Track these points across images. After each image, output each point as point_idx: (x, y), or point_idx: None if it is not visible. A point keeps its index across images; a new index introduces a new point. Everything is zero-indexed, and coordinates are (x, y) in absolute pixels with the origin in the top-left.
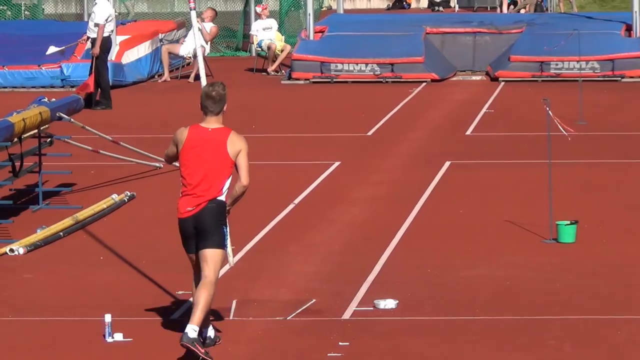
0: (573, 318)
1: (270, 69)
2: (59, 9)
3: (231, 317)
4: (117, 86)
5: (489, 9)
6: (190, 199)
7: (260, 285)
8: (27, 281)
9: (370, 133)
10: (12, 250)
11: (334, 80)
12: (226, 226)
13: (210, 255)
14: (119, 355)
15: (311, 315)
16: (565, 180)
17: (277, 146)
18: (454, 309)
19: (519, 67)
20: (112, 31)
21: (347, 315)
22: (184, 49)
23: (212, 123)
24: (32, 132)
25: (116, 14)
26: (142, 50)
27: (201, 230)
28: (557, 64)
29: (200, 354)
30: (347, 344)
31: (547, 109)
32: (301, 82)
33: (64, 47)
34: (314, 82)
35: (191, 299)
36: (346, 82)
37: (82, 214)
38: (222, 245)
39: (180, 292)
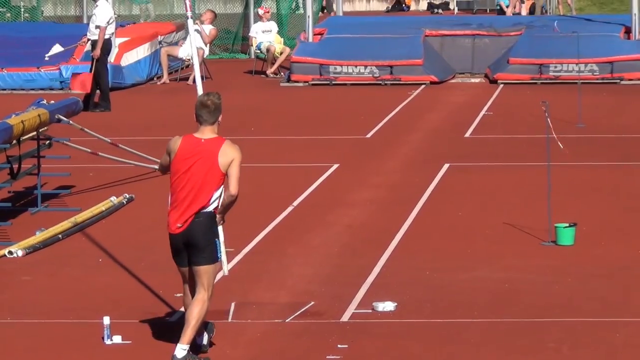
0: (572, 320)
1: (269, 71)
2: (58, 11)
3: (230, 320)
4: (116, 88)
5: (488, 12)
6: (179, 212)
7: (259, 287)
8: (25, 283)
9: (369, 135)
10: (10, 252)
11: (333, 82)
12: (217, 237)
13: (204, 271)
14: (118, 357)
15: (310, 317)
16: (564, 183)
17: (275, 148)
18: (453, 311)
19: (517, 69)
20: (112, 33)
21: (345, 317)
22: (183, 51)
23: (207, 133)
24: (30, 135)
25: (115, 16)
26: (141, 52)
27: (192, 246)
28: (556, 67)
29: None
30: (346, 346)
31: (546, 112)
32: (300, 84)
33: (66, 48)
34: (313, 85)
35: (182, 309)
36: (345, 84)
37: (81, 217)
38: (215, 259)
39: (178, 295)
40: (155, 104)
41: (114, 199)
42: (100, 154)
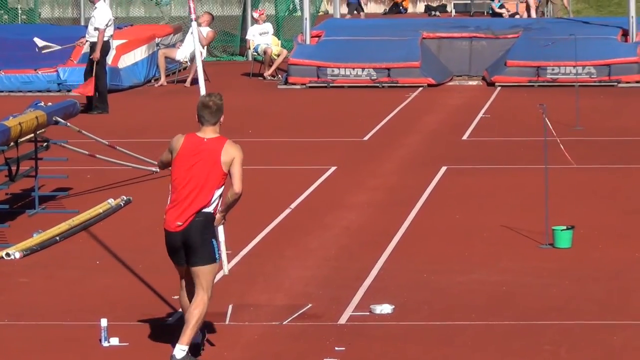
0: (569, 323)
1: (267, 73)
2: (56, 13)
3: (227, 322)
4: (113, 90)
5: (485, 14)
6: (180, 210)
7: (256, 289)
8: (23, 285)
9: (366, 138)
10: (8, 254)
11: (330, 85)
12: (215, 237)
13: (202, 272)
14: (115, 359)
15: (307, 320)
16: (561, 186)
17: (273, 151)
18: (451, 313)
19: (515, 72)
20: (110, 36)
21: (343, 320)
22: (181, 54)
23: (209, 133)
24: (28, 137)
25: (113, 18)
26: (139, 54)
27: (190, 246)
28: (553, 69)
29: None
30: (343, 349)
31: (544, 114)
32: (297, 86)
33: (63, 47)
34: (310, 87)
35: (180, 310)
36: (342, 86)
37: (78, 219)
38: (213, 259)
39: (176, 297)
40: (152, 106)
41: (112, 201)
42: (97, 156)
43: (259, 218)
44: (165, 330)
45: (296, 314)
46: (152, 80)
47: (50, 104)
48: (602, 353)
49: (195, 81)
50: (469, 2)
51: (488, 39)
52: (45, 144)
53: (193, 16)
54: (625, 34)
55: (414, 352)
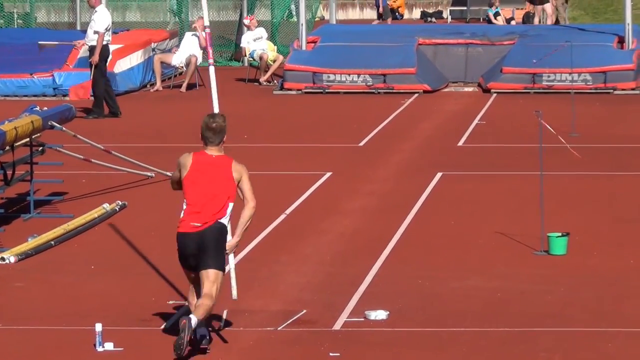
0: (564, 330)
1: (263, 79)
2: (52, 17)
3: (222, 327)
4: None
5: (481, 20)
6: (195, 217)
7: (251, 295)
8: (18, 290)
9: (362, 144)
10: (3, 258)
11: (326, 90)
12: (225, 250)
13: (213, 274)
14: None
15: (302, 325)
16: (556, 192)
17: (268, 156)
18: (445, 320)
19: (511, 78)
20: (109, 40)
21: (338, 326)
22: (177, 59)
23: (214, 152)
24: (23, 141)
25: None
26: (135, 59)
27: (205, 249)
28: (549, 76)
29: (183, 340)
30: (338, 354)
31: (540, 120)
32: (293, 92)
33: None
34: (306, 93)
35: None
36: (338, 92)
37: (73, 223)
38: (222, 267)
39: (171, 302)
40: (148, 111)
41: (107, 206)
42: (93, 160)
43: (254, 223)
44: (160, 335)
45: (291, 320)
46: (148, 85)
47: (45, 108)
48: None
49: (191, 86)
50: (465, 8)
51: (484, 45)
52: (41, 148)
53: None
54: (621, 41)
55: (409, 358)
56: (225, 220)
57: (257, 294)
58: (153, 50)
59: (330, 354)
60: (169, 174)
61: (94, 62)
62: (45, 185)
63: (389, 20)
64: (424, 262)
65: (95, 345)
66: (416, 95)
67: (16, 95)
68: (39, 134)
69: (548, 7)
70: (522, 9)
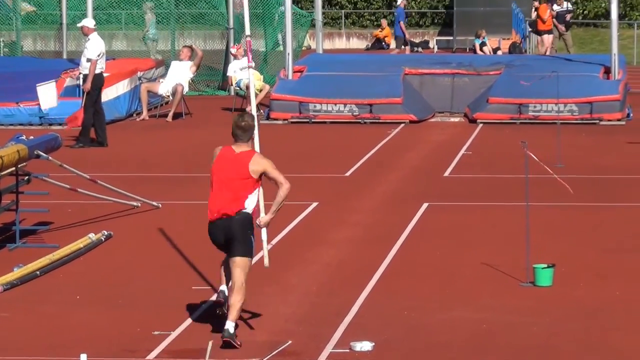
0: None
1: (249, 108)
2: (38, 46)
3: (207, 358)
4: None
5: (467, 50)
6: (216, 206)
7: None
8: (3, 320)
9: (348, 174)
10: None
11: (312, 120)
12: (253, 236)
13: (239, 262)
14: None
15: (287, 356)
16: (542, 223)
17: None
18: (431, 351)
19: (497, 109)
20: (102, 68)
21: (323, 357)
22: (163, 88)
23: (241, 147)
24: (9, 170)
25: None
26: (121, 88)
27: (231, 239)
28: (535, 106)
29: (237, 346)
30: None
31: (526, 151)
32: (280, 122)
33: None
34: (292, 122)
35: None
36: (324, 122)
37: (59, 253)
38: (249, 254)
39: (156, 333)
40: (134, 140)
41: (93, 236)
42: (79, 190)
43: None
44: None
45: (276, 351)
46: (134, 114)
47: (31, 137)
48: None
49: (177, 116)
50: (451, 38)
51: (470, 75)
52: (27, 177)
53: (251, 64)
54: (608, 71)
55: None
56: (248, 210)
57: (242, 324)
58: (139, 79)
59: None
60: (155, 203)
61: (86, 89)
62: (31, 214)
63: (407, 49)
64: (410, 293)
65: None
66: (402, 125)
67: (2, 124)
68: (25, 163)
69: (551, 37)
70: (508, 39)
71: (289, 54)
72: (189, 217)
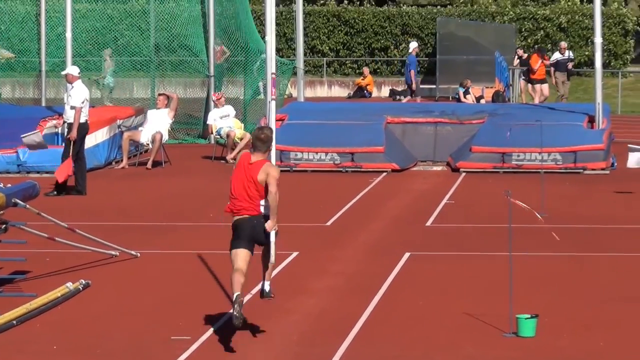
0: None
1: (229, 156)
2: (17, 93)
3: None
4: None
5: (450, 99)
6: (234, 207)
7: None
8: None
9: (329, 223)
10: None
11: (293, 169)
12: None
13: (268, 245)
14: None
15: None
16: (525, 273)
17: None
18: None
19: (480, 157)
20: (86, 116)
21: None
22: (145, 136)
23: (258, 156)
24: None
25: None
26: (100, 136)
27: (259, 240)
28: (518, 155)
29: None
30: None
31: (509, 200)
32: None
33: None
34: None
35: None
36: (305, 171)
37: (36, 302)
38: (269, 239)
39: None
40: (113, 188)
41: (70, 285)
42: (57, 239)
43: (219, 304)
44: None
45: None
46: (113, 163)
47: (9, 185)
48: None
49: (156, 164)
50: (434, 86)
51: (453, 124)
52: (4, 226)
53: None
54: (592, 120)
55: None
56: (261, 210)
57: None
58: (119, 127)
59: None
60: (133, 253)
61: (72, 138)
62: (8, 263)
63: (419, 99)
64: (392, 343)
65: None
66: (384, 174)
67: None
68: (2, 212)
69: (545, 87)
70: (491, 87)
71: (270, 102)
72: (167, 267)
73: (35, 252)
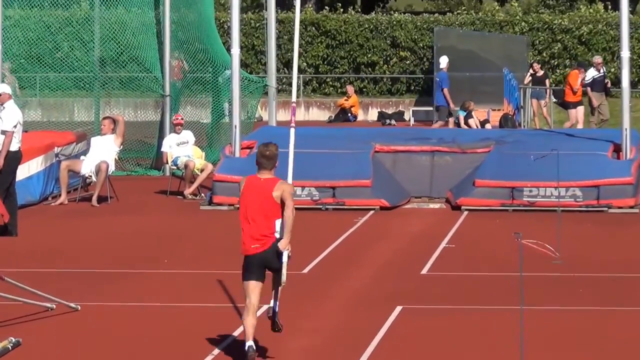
0: None
1: (187, 191)
2: None
3: None
4: None
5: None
6: (250, 236)
7: None
8: None
9: (306, 270)
10: None
11: None
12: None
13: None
14: None
15: None
16: (538, 330)
17: (194, 285)
18: None
19: (485, 193)
20: (19, 142)
21: None
22: (86, 167)
23: (265, 174)
24: None
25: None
26: (34, 166)
27: (271, 267)
28: (531, 190)
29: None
30: None
31: (520, 243)
32: (224, 207)
33: None
34: (238, 208)
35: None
36: None
37: None
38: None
39: None
40: (50, 229)
41: None
42: None
43: None
44: None
45: None
46: (49, 198)
47: None
48: None
49: (102, 199)
50: (431, 109)
51: (453, 153)
52: None
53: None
54: (618, 149)
55: None
56: (276, 235)
57: None
58: (57, 155)
59: None
60: (73, 305)
61: None
62: None
63: (451, 121)
64: None
65: None
66: (372, 212)
67: None
68: None
69: (581, 111)
70: (499, 109)
71: (236, 126)
72: (113, 322)
73: None
